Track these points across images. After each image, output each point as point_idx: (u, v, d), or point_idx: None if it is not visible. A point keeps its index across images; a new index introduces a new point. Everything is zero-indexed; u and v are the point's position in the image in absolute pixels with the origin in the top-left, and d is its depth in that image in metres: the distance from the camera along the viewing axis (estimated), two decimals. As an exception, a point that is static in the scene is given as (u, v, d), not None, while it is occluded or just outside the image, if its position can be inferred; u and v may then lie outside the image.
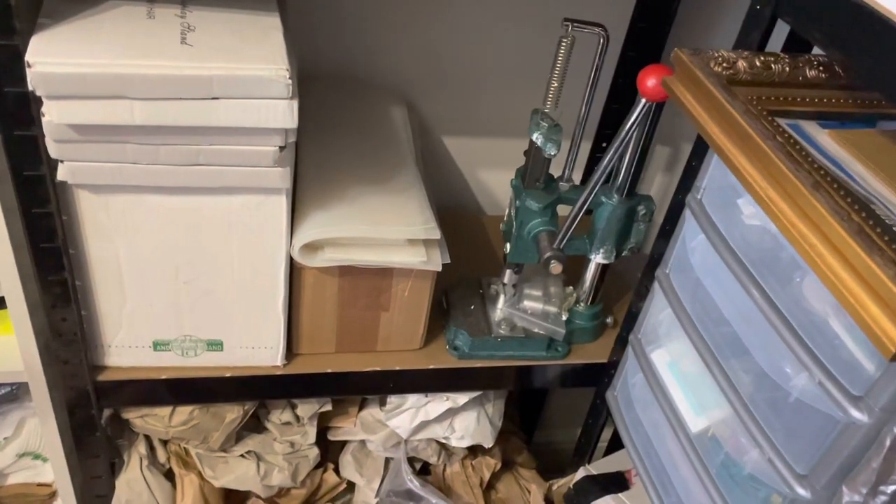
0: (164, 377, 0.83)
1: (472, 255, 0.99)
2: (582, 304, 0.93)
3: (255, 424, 0.96)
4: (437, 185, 1.05)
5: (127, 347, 0.81)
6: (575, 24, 0.73)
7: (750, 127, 0.55)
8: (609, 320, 0.96)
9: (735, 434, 0.67)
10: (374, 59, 0.98)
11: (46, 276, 0.72)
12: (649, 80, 0.69)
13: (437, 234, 0.79)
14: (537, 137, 0.78)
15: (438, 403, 0.95)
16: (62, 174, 0.65)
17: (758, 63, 0.63)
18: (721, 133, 0.58)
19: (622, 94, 1.01)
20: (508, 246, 0.86)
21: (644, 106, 0.71)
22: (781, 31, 0.67)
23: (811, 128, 0.62)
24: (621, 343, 0.89)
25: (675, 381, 0.76)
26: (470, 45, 0.98)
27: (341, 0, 0.91)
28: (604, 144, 1.06)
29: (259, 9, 0.68)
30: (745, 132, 0.55)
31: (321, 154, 0.84)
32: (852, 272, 0.45)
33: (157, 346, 0.81)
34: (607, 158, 0.74)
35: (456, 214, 1.10)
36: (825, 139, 0.61)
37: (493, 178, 1.13)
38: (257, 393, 0.89)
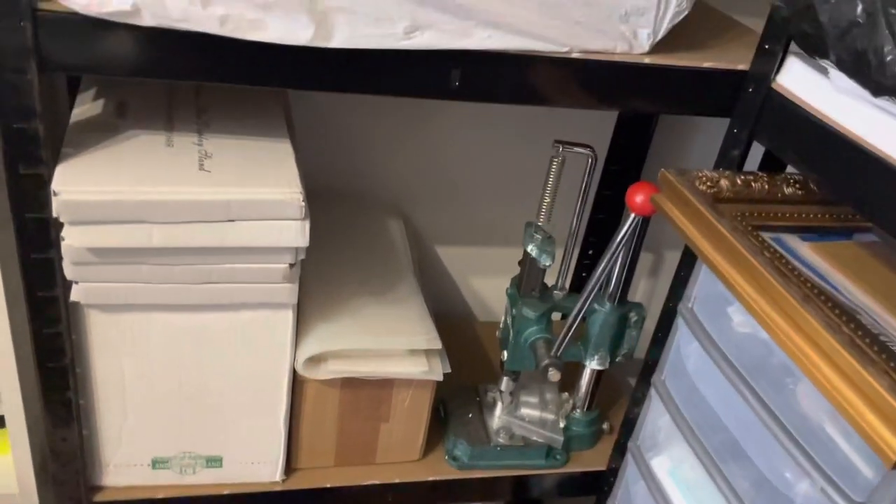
0: (161, 496, 0.81)
1: (467, 362, 1.00)
2: (578, 411, 0.94)
3: (250, 543, 0.93)
4: (431, 293, 1.07)
5: (125, 466, 0.80)
6: (565, 146, 0.78)
7: (739, 243, 0.59)
8: (605, 426, 0.97)
9: (742, 542, 0.67)
10: (372, 174, 1.02)
11: (51, 396, 0.72)
12: (637, 197, 0.74)
13: (438, 344, 0.81)
14: (532, 249, 0.82)
15: (438, 516, 0.94)
16: (76, 295, 0.67)
17: (739, 182, 0.68)
18: (711, 248, 0.61)
19: (606, 205, 1.06)
20: (505, 354, 0.88)
21: (633, 220, 0.75)
22: (757, 149, 0.72)
23: (793, 241, 0.66)
24: (619, 450, 0.90)
25: (676, 489, 0.77)
26: (463, 160, 1.04)
27: (339, 119, 0.97)
28: (590, 251, 1.11)
29: (271, 135, 0.72)
30: (735, 248, 0.59)
31: (322, 268, 0.87)
32: (849, 383, 0.47)
33: (156, 464, 0.80)
34: (600, 269, 0.78)
35: (449, 321, 1.12)
36: (807, 251, 0.65)
37: (485, 286, 1.16)
38: (255, 510, 0.87)
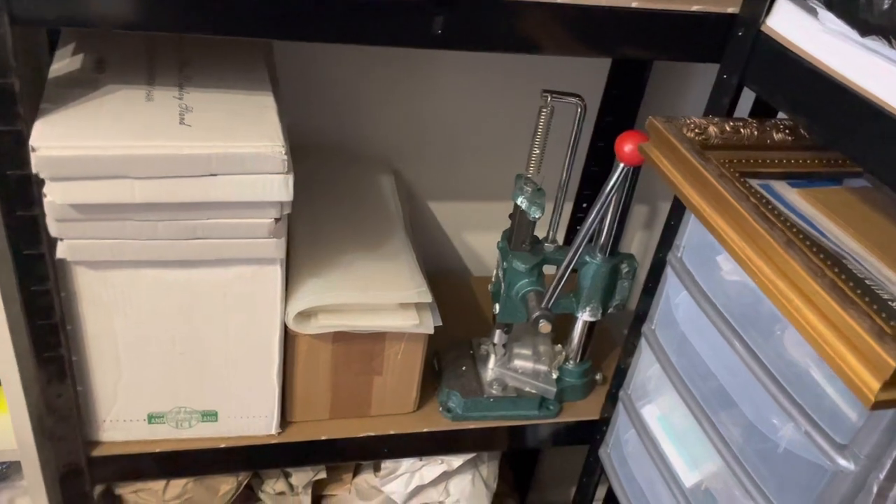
0: (158, 450, 0.82)
1: (460, 317, 1.01)
2: (571, 362, 0.94)
3: (248, 496, 0.95)
4: (424, 249, 1.07)
5: (122, 421, 0.81)
6: (553, 95, 0.77)
7: (724, 189, 0.58)
8: (598, 377, 0.98)
9: (728, 487, 0.68)
10: (361, 129, 1.01)
11: (43, 353, 0.73)
12: (626, 146, 0.73)
13: (428, 297, 0.81)
14: (522, 201, 0.81)
15: (433, 467, 0.95)
16: (62, 252, 0.67)
17: (727, 128, 0.67)
18: (697, 195, 0.61)
19: (600, 157, 1.05)
20: (497, 307, 0.88)
21: (622, 170, 0.75)
22: (748, 97, 0.71)
23: (781, 187, 0.65)
24: (612, 399, 0.90)
25: (666, 436, 0.78)
26: (453, 113, 1.02)
27: (327, 73, 0.95)
28: (584, 205, 1.10)
29: (253, 88, 0.71)
30: (720, 194, 0.58)
31: (312, 223, 0.86)
32: (830, 326, 0.47)
33: (152, 418, 0.81)
34: (590, 220, 0.77)
35: (443, 276, 1.12)
36: (795, 198, 0.64)
37: (477, 240, 1.15)
38: (252, 463, 0.89)
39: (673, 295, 0.74)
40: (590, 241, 0.84)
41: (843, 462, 0.55)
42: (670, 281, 0.75)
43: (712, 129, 0.66)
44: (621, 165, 0.75)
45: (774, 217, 0.55)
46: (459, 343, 0.97)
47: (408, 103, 1.00)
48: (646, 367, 0.81)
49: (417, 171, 1.06)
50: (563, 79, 0.99)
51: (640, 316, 0.82)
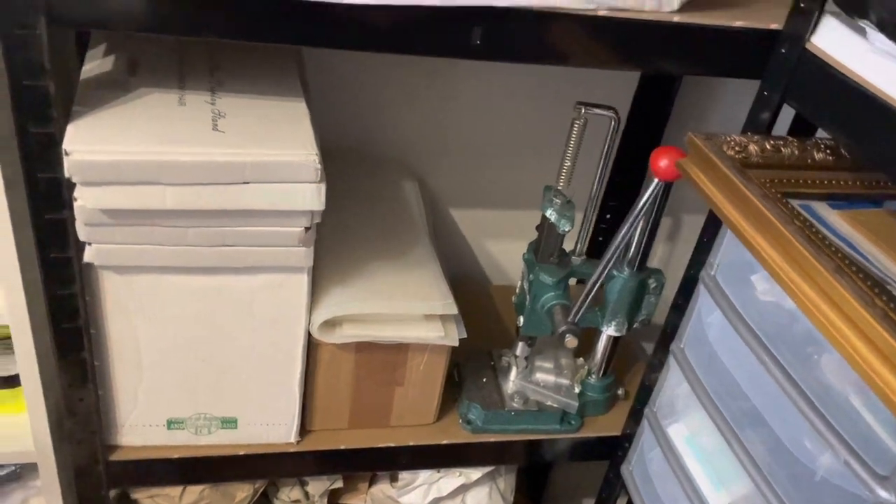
0: (176, 456, 0.82)
1: (481, 326, 0.99)
2: (594, 377, 0.93)
3: (264, 503, 0.94)
4: (445, 255, 1.06)
5: (141, 426, 0.80)
6: (587, 107, 0.76)
7: (768, 211, 0.57)
8: (621, 392, 0.97)
9: (759, 511, 0.67)
10: (384, 133, 1.00)
11: (66, 357, 0.72)
12: (661, 161, 0.72)
13: (454, 309, 0.80)
14: (551, 214, 0.80)
15: (451, 479, 0.94)
16: (89, 256, 0.66)
17: (768, 147, 0.66)
18: (739, 215, 0.60)
19: (625, 169, 1.04)
20: (521, 319, 0.87)
21: (656, 186, 0.74)
22: (787, 113, 0.70)
23: (822, 209, 0.64)
24: (635, 416, 0.89)
25: (693, 456, 0.77)
26: (477, 119, 1.01)
27: (351, 75, 0.95)
28: (607, 216, 1.09)
29: (285, 93, 0.71)
30: (764, 216, 0.57)
31: (337, 229, 0.85)
32: (880, 357, 0.46)
33: (171, 424, 0.81)
34: (621, 235, 0.76)
35: (462, 284, 1.11)
36: (836, 220, 0.63)
37: (498, 249, 1.14)
38: (270, 471, 0.88)
39: (705, 313, 0.73)
40: (617, 255, 0.83)
41: (883, 494, 0.54)
42: (702, 299, 0.74)
43: (753, 148, 0.65)
44: (655, 181, 0.73)
45: (820, 241, 0.54)
46: (479, 353, 0.96)
47: (432, 108, 0.99)
48: (673, 386, 0.80)
49: (439, 177, 1.05)
50: (589, 87, 0.98)
51: (669, 333, 0.81)
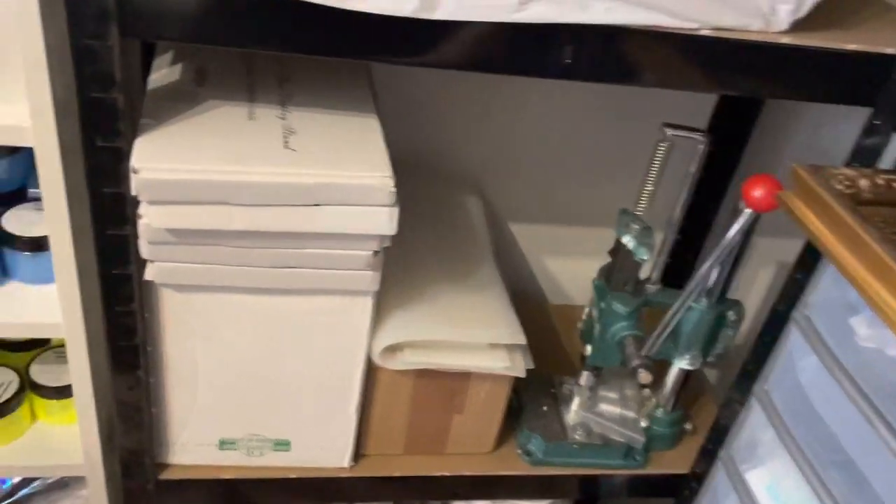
0: (227, 477, 0.79)
1: (539, 348, 0.94)
2: (661, 410, 0.88)
3: (312, 525, 0.91)
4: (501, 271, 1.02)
5: (193, 445, 0.78)
6: (675, 129, 0.71)
7: (887, 255, 0.51)
8: (688, 426, 0.92)
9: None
10: (447, 146, 0.96)
11: (121, 373, 0.70)
12: (756, 191, 0.67)
13: (522, 338, 0.76)
14: (629, 241, 0.75)
15: (506, 510, 0.91)
16: (150, 274, 0.63)
17: (879, 182, 0.60)
18: (851, 257, 0.54)
19: (700, 191, 0.98)
20: (589, 348, 0.83)
21: (748, 216, 0.68)
22: None
23: (941, 253, 0.58)
24: (706, 455, 0.84)
25: (774, 506, 0.72)
26: (541, 133, 0.97)
27: (413, 86, 0.91)
28: (677, 238, 1.03)
29: (357, 109, 0.67)
30: (882, 260, 0.52)
31: (399, 249, 0.81)
32: None
33: (224, 444, 0.78)
34: (706, 266, 0.71)
35: (518, 301, 1.06)
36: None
37: (559, 267, 1.10)
38: (322, 495, 0.85)
39: (797, 356, 0.68)
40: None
41: None
42: (795, 341, 0.68)
43: (863, 182, 0.60)
44: (747, 211, 0.68)
45: (949, 293, 0.49)
46: (539, 379, 0.92)
47: (496, 119, 0.95)
48: (754, 429, 0.74)
49: (500, 191, 1.01)
50: (663, 104, 0.92)
51: (750, 371, 0.76)
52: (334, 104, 0.67)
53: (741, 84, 0.61)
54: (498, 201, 1.02)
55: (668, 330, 0.75)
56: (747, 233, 0.72)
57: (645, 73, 0.59)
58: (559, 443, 0.85)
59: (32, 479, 0.94)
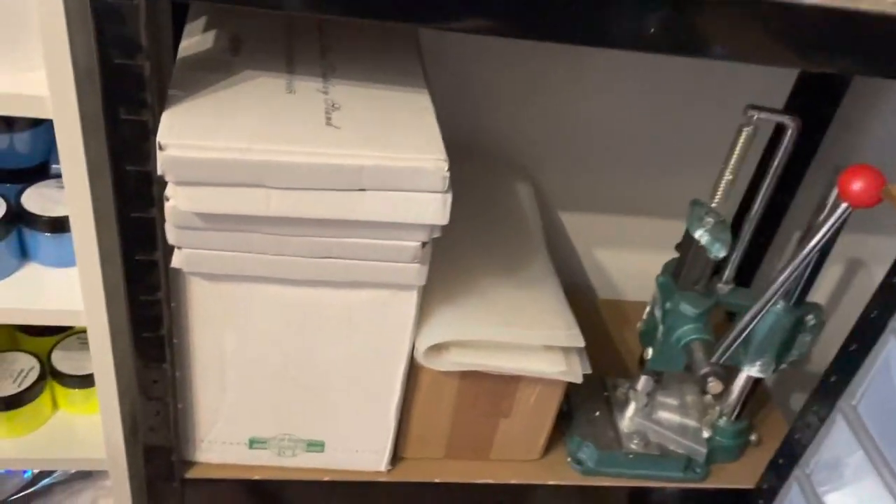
0: (257, 477, 0.74)
1: (591, 347, 0.88)
2: (725, 419, 0.81)
3: (345, 528, 0.86)
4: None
5: (221, 443, 0.73)
6: (761, 112, 0.63)
7: None
8: (753, 438, 0.84)
9: None
10: (497, 128, 0.90)
11: (146, 365, 0.65)
12: (855, 184, 0.59)
13: (580, 341, 0.69)
14: (702, 235, 0.68)
15: (553, 521, 0.84)
16: (178, 262, 0.58)
17: None
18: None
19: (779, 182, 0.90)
20: (650, 351, 0.76)
21: (843, 211, 0.61)
22: None
23: None
24: (775, 470, 0.77)
25: (859, 536, 0.64)
26: (600, 115, 0.90)
27: (463, 62, 0.84)
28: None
29: (406, 83, 0.61)
30: None
31: (448, 240, 0.75)
32: None
33: (254, 443, 0.73)
34: (794, 265, 0.63)
35: (567, 295, 1.00)
36: None
37: (610, 259, 1.03)
38: (356, 500, 0.79)
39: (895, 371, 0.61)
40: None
41: None
42: (893, 353, 0.61)
43: None
44: (843, 205, 0.60)
45: None
46: (591, 381, 0.84)
47: (551, 100, 0.88)
48: (837, 448, 0.67)
49: (551, 176, 0.94)
50: (736, 84, 0.85)
51: (833, 384, 0.68)
52: (381, 77, 0.61)
53: (859, 63, 0.53)
54: (547, 186, 0.95)
55: (744, 335, 0.68)
56: (839, 230, 0.64)
57: (743, 48, 0.51)
58: (613, 452, 0.79)
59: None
